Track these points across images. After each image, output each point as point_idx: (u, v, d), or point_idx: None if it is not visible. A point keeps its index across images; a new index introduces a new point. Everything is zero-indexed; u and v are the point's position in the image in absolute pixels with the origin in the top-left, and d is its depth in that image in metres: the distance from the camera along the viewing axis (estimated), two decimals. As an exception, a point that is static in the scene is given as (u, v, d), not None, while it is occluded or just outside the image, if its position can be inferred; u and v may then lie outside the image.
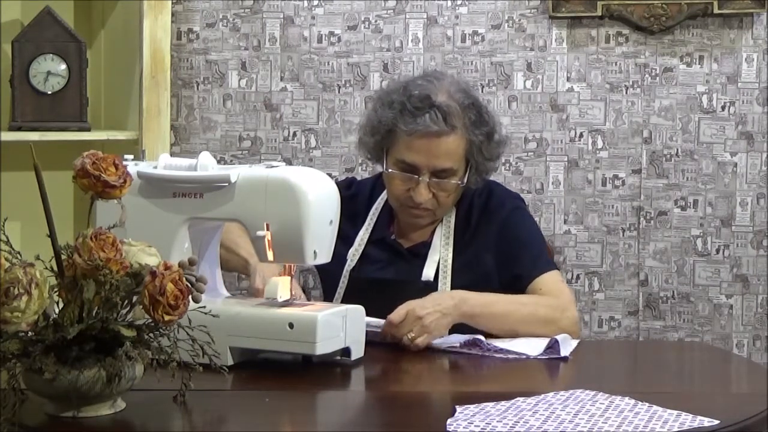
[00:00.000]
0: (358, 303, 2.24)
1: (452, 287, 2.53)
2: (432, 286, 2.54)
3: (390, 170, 2.56)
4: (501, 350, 2.31)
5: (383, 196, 2.68)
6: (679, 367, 2.46)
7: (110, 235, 1.75)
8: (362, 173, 3.24)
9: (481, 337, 2.34)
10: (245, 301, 2.32)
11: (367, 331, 2.30)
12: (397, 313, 2.34)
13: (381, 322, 2.37)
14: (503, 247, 2.58)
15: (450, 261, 2.57)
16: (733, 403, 2.00)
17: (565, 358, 2.27)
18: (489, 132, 2.57)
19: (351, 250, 2.64)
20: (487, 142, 2.57)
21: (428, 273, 2.57)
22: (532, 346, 2.32)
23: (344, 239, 2.60)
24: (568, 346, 2.33)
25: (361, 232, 2.66)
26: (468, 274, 2.53)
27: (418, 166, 2.52)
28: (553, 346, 2.29)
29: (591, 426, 1.75)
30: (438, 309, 2.36)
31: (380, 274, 2.61)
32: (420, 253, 2.60)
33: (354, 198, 2.71)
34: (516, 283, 2.53)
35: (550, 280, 2.56)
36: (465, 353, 2.33)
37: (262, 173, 2.15)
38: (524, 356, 2.28)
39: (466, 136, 2.53)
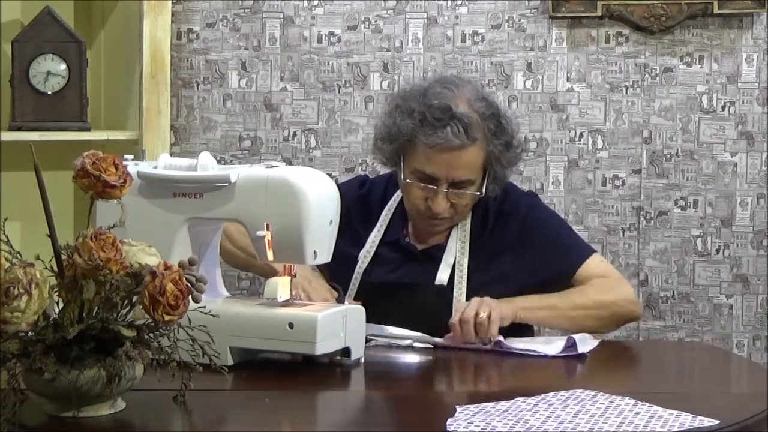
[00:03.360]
0: (369, 305, 2.24)
1: (467, 291, 2.51)
2: (445, 290, 2.52)
3: (407, 180, 2.53)
4: (520, 350, 2.31)
5: (397, 196, 2.65)
6: (679, 367, 2.46)
7: (110, 235, 1.75)
8: (362, 173, 3.23)
9: (501, 338, 2.35)
10: (245, 301, 2.32)
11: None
12: (462, 308, 2.36)
13: (422, 335, 2.39)
14: (532, 251, 2.55)
15: (466, 264, 2.54)
16: (733, 403, 2.00)
17: (579, 356, 2.28)
18: (508, 141, 2.54)
19: (362, 251, 2.60)
20: (506, 151, 2.54)
21: (442, 277, 2.54)
22: (551, 346, 2.33)
23: (355, 239, 2.59)
24: (588, 344, 2.34)
25: (373, 233, 2.63)
26: (484, 277, 2.52)
27: (437, 178, 2.49)
28: (572, 345, 2.30)
29: (591, 426, 1.75)
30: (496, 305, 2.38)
31: (392, 277, 2.57)
32: (434, 255, 2.57)
33: (367, 197, 2.68)
34: (561, 279, 2.52)
35: (593, 264, 2.57)
36: (480, 350, 2.33)
37: (262, 173, 2.15)
38: (543, 355, 2.29)
39: (485, 147, 2.50)
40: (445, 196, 2.50)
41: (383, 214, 2.65)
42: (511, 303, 2.42)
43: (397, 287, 2.55)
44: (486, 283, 2.50)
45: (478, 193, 2.53)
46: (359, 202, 2.66)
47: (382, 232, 2.63)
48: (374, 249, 2.61)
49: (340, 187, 2.76)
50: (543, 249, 2.56)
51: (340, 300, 2.43)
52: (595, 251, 2.62)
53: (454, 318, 2.36)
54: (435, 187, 2.50)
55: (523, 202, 2.64)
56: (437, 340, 2.38)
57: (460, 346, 2.34)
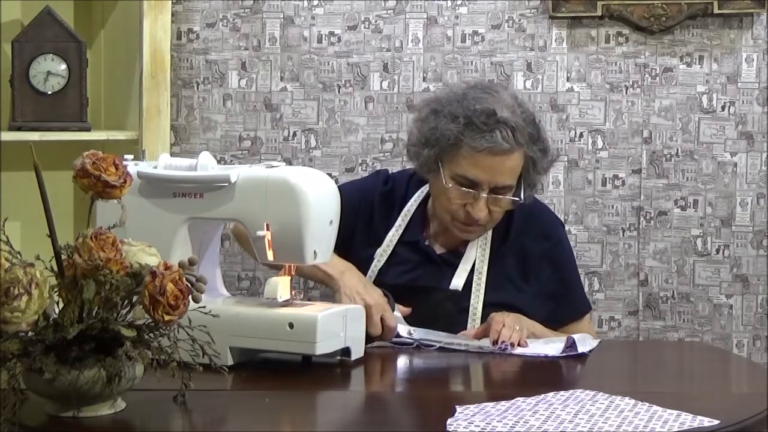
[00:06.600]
0: None
1: (484, 298, 2.52)
2: (459, 296, 2.52)
3: (449, 185, 2.50)
4: (521, 353, 2.32)
5: (418, 196, 2.65)
6: (679, 367, 2.46)
7: (110, 235, 1.75)
8: (362, 173, 3.23)
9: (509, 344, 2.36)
10: (245, 301, 2.33)
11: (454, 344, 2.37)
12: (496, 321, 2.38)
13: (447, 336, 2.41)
14: (540, 282, 2.58)
15: (485, 272, 2.54)
16: (733, 403, 2.01)
17: (580, 355, 2.28)
18: (544, 148, 2.55)
19: (379, 249, 2.60)
20: (543, 158, 2.54)
21: (457, 282, 2.54)
22: (551, 347, 2.33)
23: (374, 236, 2.59)
24: (588, 344, 2.35)
25: (391, 232, 2.62)
26: (500, 285, 2.53)
27: (479, 182, 2.48)
28: (571, 345, 2.31)
29: (591, 426, 1.75)
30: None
31: (407, 278, 2.57)
32: (452, 261, 2.57)
33: (390, 194, 2.68)
34: (551, 321, 2.56)
35: (584, 323, 2.66)
36: (480, 351, 2.34)
37: (262, 173, 2.15)
38: (543, 355, 2.29)
39: (526, 152, 2.50)
40: (486, 202, 2.49)
41: (403, 213, 2.65)
42: (533, 328, 2.46)
43: (410, 289, 2.54)
44: (501, 294, 2.51)
45: (517, 198, 2.52)
46: (383, 198, 2.66)
47: (401, 231, 2.62)
48: (391, 248, 2.61)
49: (364, 181, 2.78)
50: (553, 289, 2.59)
51: (390, 306, 2.43)
52: (590, 308, 2.71)
53: (497, 321, 2.38)
54: (475, 192, 2.49)
55: (554, 229, 2.66)
56: (477, 343, 2.39)
57: (479, 349, 2.36)
